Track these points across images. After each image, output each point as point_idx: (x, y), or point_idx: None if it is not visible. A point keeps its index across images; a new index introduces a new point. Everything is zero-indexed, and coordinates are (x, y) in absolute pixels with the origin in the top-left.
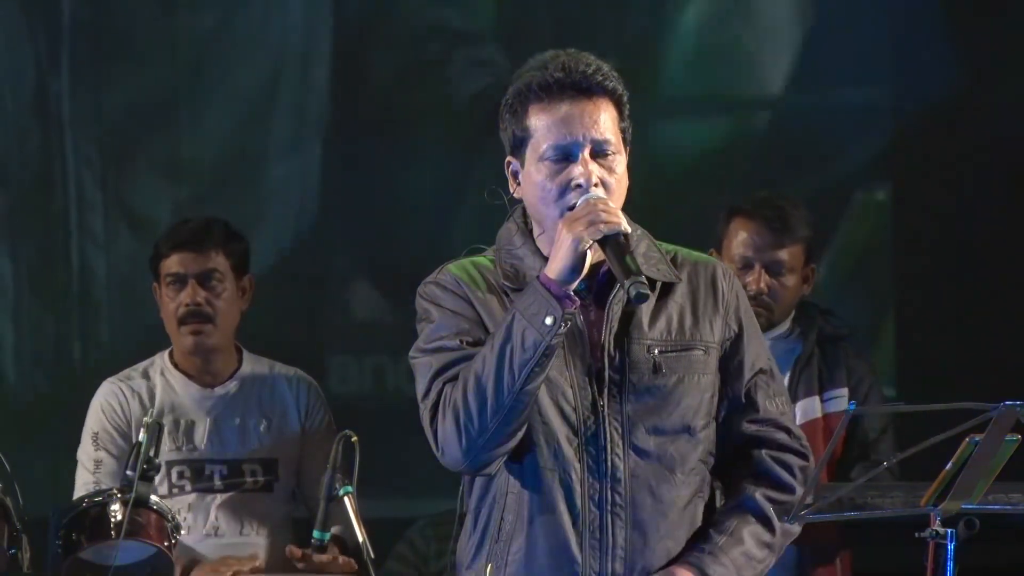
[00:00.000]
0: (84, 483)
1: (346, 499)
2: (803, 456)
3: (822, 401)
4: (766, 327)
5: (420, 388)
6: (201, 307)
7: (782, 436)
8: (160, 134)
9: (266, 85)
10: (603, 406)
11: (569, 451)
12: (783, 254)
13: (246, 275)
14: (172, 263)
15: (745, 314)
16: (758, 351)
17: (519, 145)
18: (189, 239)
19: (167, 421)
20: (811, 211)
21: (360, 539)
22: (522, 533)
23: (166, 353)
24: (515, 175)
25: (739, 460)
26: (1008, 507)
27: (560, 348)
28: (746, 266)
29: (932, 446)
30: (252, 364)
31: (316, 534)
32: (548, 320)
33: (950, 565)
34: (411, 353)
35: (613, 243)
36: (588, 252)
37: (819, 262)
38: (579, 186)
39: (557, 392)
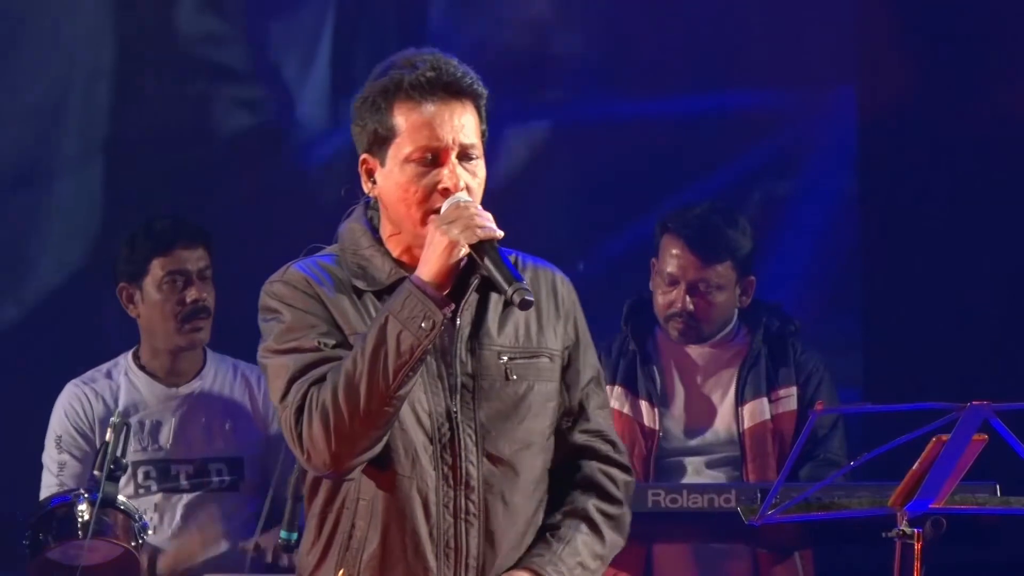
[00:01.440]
0: (48, 485)
1: None
2: (627, 471)
3: (770, 402)
4: (698, 340)
5: (276, 390)
6: (205, 301)
7: (608, 448)
8: None
9: (53, 102)
10: (456, 413)
11: (425, 458)
12: (709, 273)
13: None
14: (172, 260)
15: (581, 321)
16: (591, 360)
17: (379, 143)
18: (182, 236)
19: (132, 421)
20: (750, 222)
21: None
22: (376, 540)
23: (129, 354)
24: (370, 174)
25: (568, 469)
26: (975, 508)
27: None
28: (672, 283)
29: (899, 446)
30: (216, 363)
31: (283, 534)
32: (424, 324)
33: (917, 565)
34: (261, 353)
35: (489, 249)
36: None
37: (755, 273)
38: (446, 190)
39: (412, 398)
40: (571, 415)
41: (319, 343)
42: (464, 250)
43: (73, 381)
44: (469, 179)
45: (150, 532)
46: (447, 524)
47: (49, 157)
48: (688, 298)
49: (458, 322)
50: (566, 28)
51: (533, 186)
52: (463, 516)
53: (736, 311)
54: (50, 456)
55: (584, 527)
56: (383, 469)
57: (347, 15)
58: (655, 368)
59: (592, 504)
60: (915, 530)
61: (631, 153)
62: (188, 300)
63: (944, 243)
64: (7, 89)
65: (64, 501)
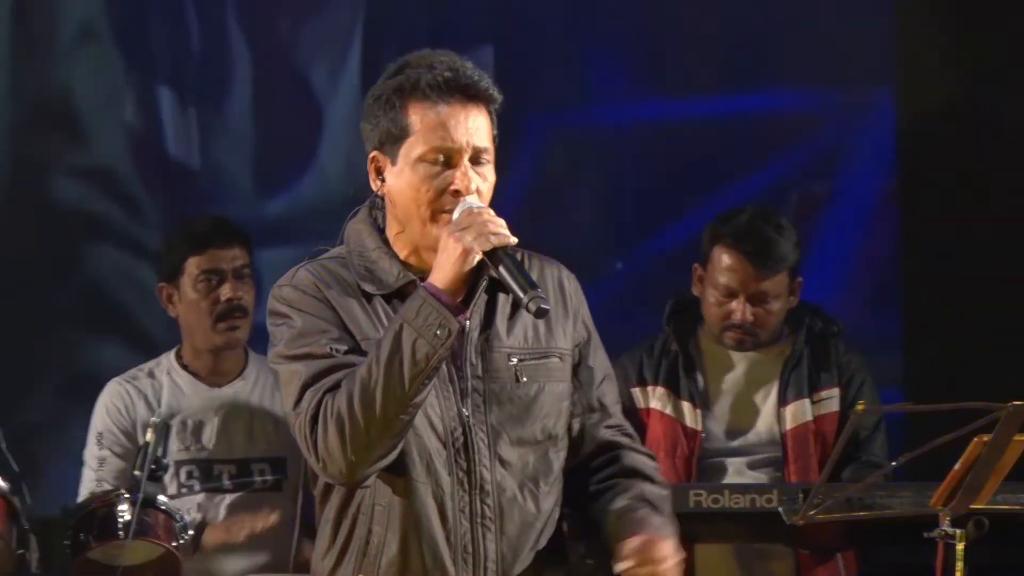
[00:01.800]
0: (88, 480)
1: None
2: (653, 458)
3: (812, 403)
4: (753, 348)
5: (289, 396)
6: (241, 300)
7: (630, 441)
8: None
9: None
10: (468, 416)
11: (440, 463)
12: (767, 285)
13: None
14: (204, 261)
15: (588, 318)
16: (602, 355)
17: (391, 141)
18: (218, 235)
19: (175, 421)
20: (795, 227)
21: None
22: (394, 545)
23: (172, 353)
24: (379, 171)
25: (601, 463)
26: (1017, 507)
27: None
28: (730, 295)
29: (941, 446)
30: (259, 363)
31: None
32: (440, 332)
33: (959, 565)
34: (272, 359)
35: (504, 256)
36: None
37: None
38: (457, 191)
39: (425, 403)
40: (593, 412)
41: (331, 349)
42: (478, 256)
43: (116, 379)
44: (480, 183)
45: (191, 532)
46: (464, 529)
47: None
48: (748, 309)
49: (468, 325)
50: (602, 28)
51: (573, 186)
52: (479, 520)
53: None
54: (91, 452)
55: (651, 509)
56: (398, 475)
57: (376, 20)
58: (697, 369)
59: (646, 488)
60: (957, 530)
61: (672, 153)
62: (223, 298)
63: (984, 242)
64: None
65: (105, 501)
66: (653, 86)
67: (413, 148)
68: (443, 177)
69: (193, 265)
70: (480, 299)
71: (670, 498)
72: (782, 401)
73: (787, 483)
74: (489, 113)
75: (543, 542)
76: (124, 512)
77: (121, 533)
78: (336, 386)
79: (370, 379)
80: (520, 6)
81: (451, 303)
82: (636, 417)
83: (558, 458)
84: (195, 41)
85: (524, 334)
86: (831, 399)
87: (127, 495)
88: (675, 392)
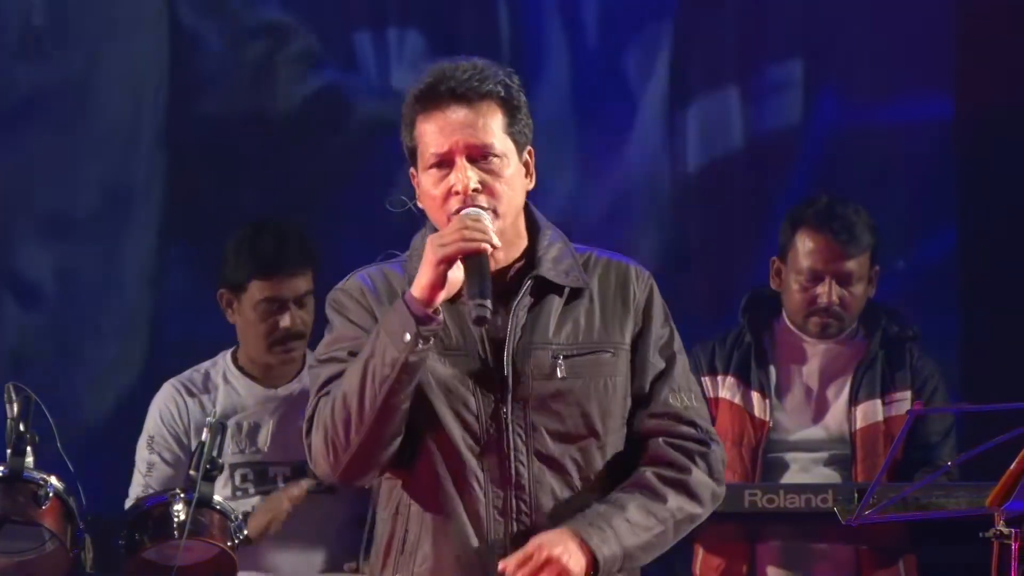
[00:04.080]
0: (136, 484)
1: None
2: (703, 443)
3: (884, 404)
4: (837, 333)
5: (310, 400)
6: (298, 327)
7: (684, 429)
8: None
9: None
10: (506, 413)
11: (471, 460)
12: (852, 264)
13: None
14: (266, 287)
15: (655, 313)
16: (667, 352)
17: (412, 156)
18: (281, 264)
19: (230, 423)
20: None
21: None
22: (427, 544)
23: (228, 354)
24: (417, 186)
25: (637, 452)
26: None
27: (463, 356)
28: (815, 278)
29: (996, 447)
30: None
31: None
32: (406, 337)
33: (1014, 565)
34: (309, 363)
35: (472, 262)
36: (451, 269)
37: (882, 263)
38: (457, 192)
39: (458, 402)
40: (640, 402)
41: (347, 354)
42: (448, 262)
43: (171, 380)
44: (487, 178)
45: (245, 532)
46: (498, 524)
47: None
48: (835, 290)
49: (511, 323)
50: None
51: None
52: (513, 516)
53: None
54: (141, 456)
55: (638, 492)
56: (430, 473)
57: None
58: (770, 360)
59: (650, 471)
60: (1013, 530)
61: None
62: (281, 326)
63: None
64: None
65: (160, 501)
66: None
67: (423, 158)
68: (446, 181)
69: (256, 289)
70: (527, 299)
71: (690, 480)
72: (854, 400)
73: (843, 483)
74: (503, 108)
75: None
76: (179, 512)
77: (176, 533)
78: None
79: (349, 384)
80: (832, 18)
81: (419, 311)
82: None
83: (604, 453)
84: (504, 28)
85: (574, 330)
86: (903, 401)
87: (182, 495)
88: (745, 382)
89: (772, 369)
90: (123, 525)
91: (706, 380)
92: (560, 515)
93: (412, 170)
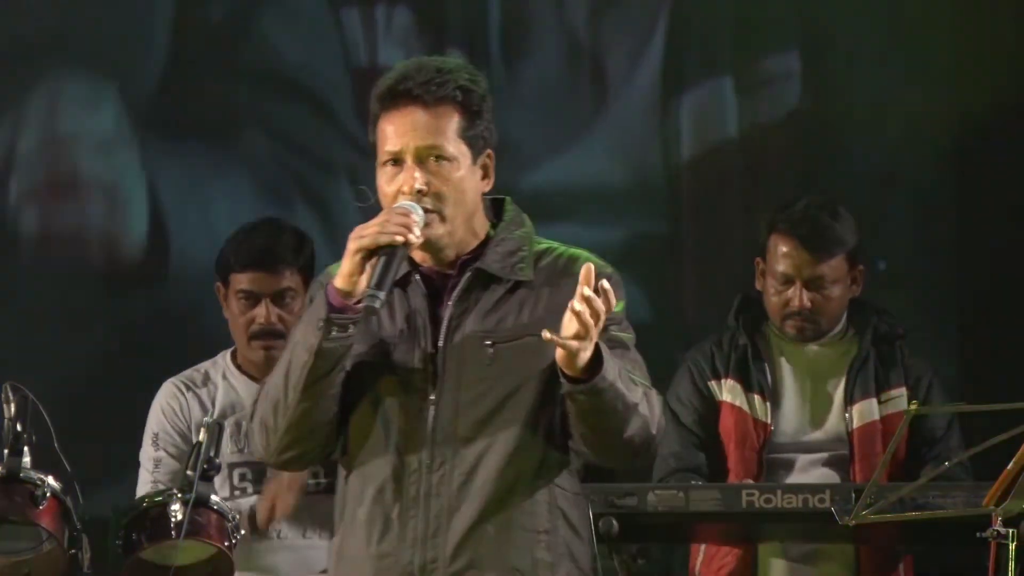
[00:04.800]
0: (144, 483)
1: None
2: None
3: (879, 403)
4: (814, 337)
5: None
6: (274, 325)
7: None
8: None
9: None
10: (435, 397)
11: (400, 441)
12: (823, 269)
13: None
14: (243, 280)
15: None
16: (608, 337)
17: (374, 151)
18: (262, 258)
19: (229, 423)
20: (853, 214)
21: None
22: (352, 519)
23: (228, 353)
24: None
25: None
26: None
27: (401, 343)
28: (787, 282)
29: (995, 446)
30: None
31: None
32: (320, 324)
33: (1011, 565)
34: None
35: (385, 253)
36: (369, 259)
37: (867, 261)
38: (404, 193)
39: (390, 387)
40: None
41: None
42: (363, 253)
43: (171, 379)
44: (435, 180)
45: (243, 533)
46: (422, 504)
47: None
48: (805, 295)
49: (447, 313)
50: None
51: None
52: (436, 498)
53: (844, 311)
54: (146, 454)
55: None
56: (361, 453)
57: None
58: (766, 363)
59: None
60: (1010, 530)
61: None
62: (257, 321)
63: None
64: None
65: (157, 501)
66: None
67: (379, 156)
68: (396, 180)
69: (235, 281)
70: (466, 287)
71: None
72: (849, 400)
73: (840, 483)
74: (460, 111)
75: (525, 520)
76: (176, 512)
77: (173, 533)
78: None
79: (279, 369)
80: (829, 10)
81: (336, 299)
82: (715, 411)
83: (532, 436)
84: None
85: (507, 319)
86: (899, 398)
87: (179, 495)
88: (745, 384)
89: (768, 371)
90: (120, 525)
91: (712, 384)
92: (475, 499)
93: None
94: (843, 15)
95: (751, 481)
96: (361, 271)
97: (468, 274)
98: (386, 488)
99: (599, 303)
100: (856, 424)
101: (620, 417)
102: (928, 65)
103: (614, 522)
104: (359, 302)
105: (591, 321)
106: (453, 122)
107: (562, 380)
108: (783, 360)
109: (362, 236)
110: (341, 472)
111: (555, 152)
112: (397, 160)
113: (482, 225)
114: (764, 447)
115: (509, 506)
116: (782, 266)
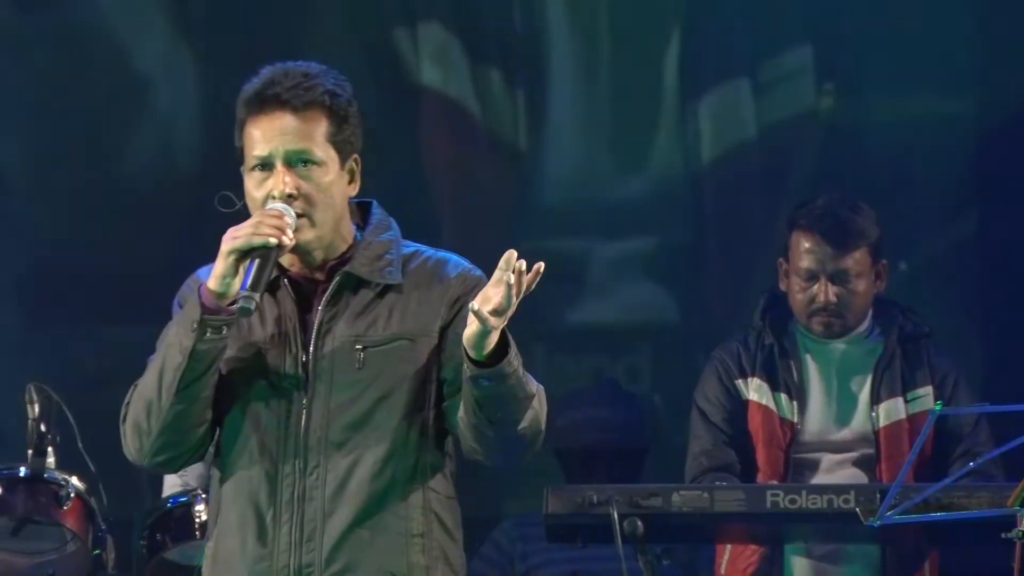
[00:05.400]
0: (171, 484)
1: None
2: None
3: (906, 402)
4: (841, 333)
5: None
6: None
7: None
8: None
9: None
10: (307, 402)
11: (273, 445)
12: (846, 262)
13: None
14: None
15: (468, 300)
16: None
17: (241, 154)
18: None
19: None
20: (875, 209)
21: None
22: (226, 523)
23: None
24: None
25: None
26: None
27: (272, 347)
28: (811, 278)
29: (1019, 447)
30: None
31: None
32: (193, 326)
33: None
34: None
35: (258, 255)
36: (242, 261)
37: (889, 256)
38: (274, 197)
39: (262, 390)
40: (452, 391)
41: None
42: (236, 254)
43: None
44: (304, 184)
45: None
46: (292, 509)
47: None
48: (830, 289)
49: (318, 317)
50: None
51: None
52: (307, 500)
53: (872, 302)
54: None
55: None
56: (234, 455)
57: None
58: (792, 361)
59: None
60: None
61: None
62: None
63: None
64: None
65: (181, 501)
66: None
67: (247, 160)
68: (265, 184)
69: None
70: (333, 295)
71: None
72: (875, 399)
73: (864, 484)
74: (328, 116)
75: (399, 524)
76: (201, 512)
77: (198, 533)
78: None
79: (151, 371)
80: (843, 6)
81: (209, 301)
82: (742, 409)
83: (404, 441)
84: (518, 20)
85: (375, 322)
86: (926, 397)
87: (204, 495)
88: (772, 384)
89: (795, 370)
90: (144, 526)
91: (740, 383)
92: (349, 503)
93: (242, 168)
94: (857, 9)
95: (776, 481)
96: (235, 273)
97: (337, 278)
98: (260, 492)
99: (527, 279)
100: (883, 423)
101: (518, 407)
102: (949, 61)
103: (639, 523)
104: (233, 303)
105: (515, 298)
106: (321, 127)
107: (466, 365)
108: (809, 359)
109: (235, 237)
110: (215, 475)
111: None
112: (266, 164)
113: (349, 229)
114: (791, 446)
115: (383, 510)
116: (806, 262)
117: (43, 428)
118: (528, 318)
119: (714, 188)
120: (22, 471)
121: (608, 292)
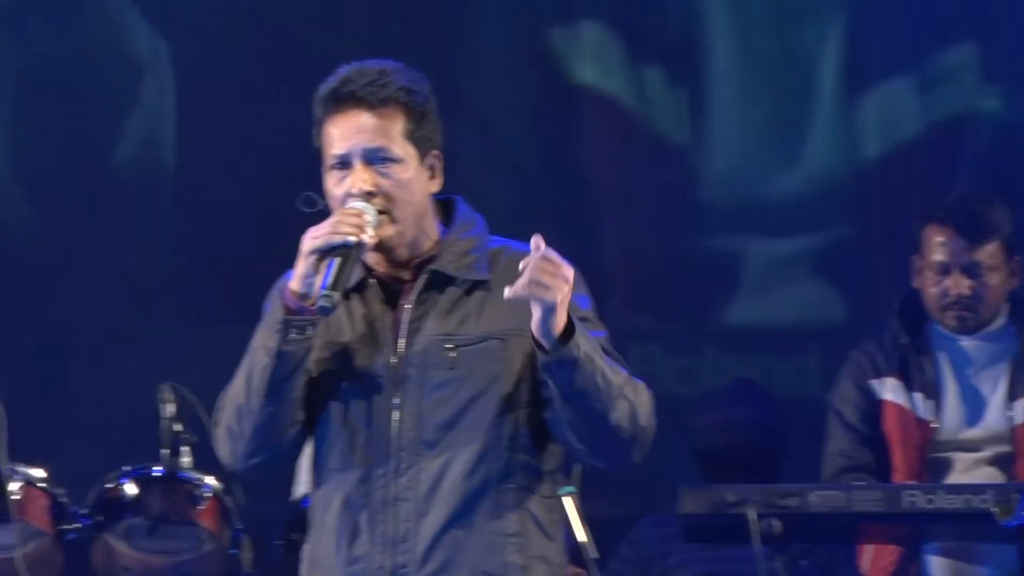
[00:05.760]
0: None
1: (567, 499)
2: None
3: None
4: (975, 328)
5: None
6: None
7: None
8: None
9: None
10: (398, 402)
11: (364, 446)
12: (979, 255)
13: None
14: None
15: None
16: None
17: (321, 154)
18: None
19: None
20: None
21: (582, 539)
22: (321, 525)
23: None
24: None
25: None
26: None
27: (362, 347)
28: (944, 271)
29: None
30: None
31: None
32: (278, 327)
33: None
34: None
35: (337, 255)
36: (323, 260)
37: None
38: (353, 195)
39: (358, 388)
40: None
41: None
42: (317, 253)
43: None
44: (383, 182)
45: None
46: (384, 510)
47: None
48: (963, 282)
49: (405, 316)
50: None
51: None
52: (403, 503)
53: (1008, 299)
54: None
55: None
56: (327, 458)
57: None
58: (927, 360)
59: None
60: None
61: None
62: None
63: None
64: None
65: None
66: None
67: (325, 159)
68: (345, 183)
69: None
70: (422, 293)
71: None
72: (1012, 396)
73: (1001, 483)
74: (405, 112)
75: (493, 524)
76: None
77: None
78: None
79: (240, 374)
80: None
81: (292, 301)
82: (878, 410)
83: (497, 439)
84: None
85: (466, 320)
86: None
87: None
88: (907, 383)
89: (930, 369)
90: (281, 525)
91: (874, 383)
92: (443, 503)
93: (323, 168)
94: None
95: (913, 481)
96: (316, 272)
97: (424, 276)
98: (353, 494)
99: (554, 258)
100: (1020, 421)
101: (602, 397)
102: None
103: (777, 523)
104: (315, 303)
105: (548, 277)
106: (398, 123)
107: (537, 353)
108: (944, 357)
109: (315, 237)
110: (314, 477)
111: (740, 163)
112: (344, 163)
113: (433, 226)
114: (927, 445)
115: (477, 509)
116: (939, 255)
117: (178, 428)
118: (693, 318)
119: (879, 185)
120: (156, 471)
121: (771, 290)
